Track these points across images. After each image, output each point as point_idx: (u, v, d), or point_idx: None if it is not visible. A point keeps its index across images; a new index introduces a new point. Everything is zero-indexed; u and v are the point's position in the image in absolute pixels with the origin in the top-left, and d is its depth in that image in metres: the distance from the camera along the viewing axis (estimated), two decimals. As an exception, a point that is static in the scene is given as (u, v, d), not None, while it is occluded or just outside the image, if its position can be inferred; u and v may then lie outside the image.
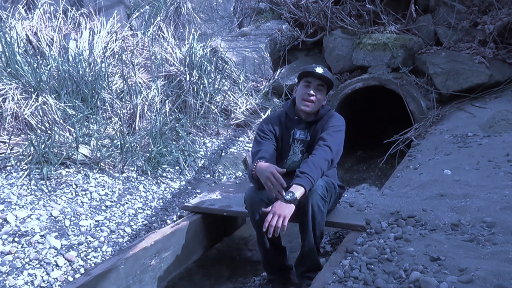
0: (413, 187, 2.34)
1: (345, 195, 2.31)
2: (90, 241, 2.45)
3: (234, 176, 3.59)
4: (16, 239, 2.32)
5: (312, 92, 1.98)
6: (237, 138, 4.19)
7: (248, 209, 1.99)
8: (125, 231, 2.63)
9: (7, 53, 3.47)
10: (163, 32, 4.97)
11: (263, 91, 4.66)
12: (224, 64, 4.58)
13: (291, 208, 1.70)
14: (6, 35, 3.78)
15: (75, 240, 2.42)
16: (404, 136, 3.69)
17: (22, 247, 2.27)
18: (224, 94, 4.22)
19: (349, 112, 4.60)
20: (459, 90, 3.97)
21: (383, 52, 4.37)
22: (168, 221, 2.88)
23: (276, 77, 4.85)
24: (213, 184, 3.43)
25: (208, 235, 2.44)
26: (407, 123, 3.98)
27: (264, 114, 4.41)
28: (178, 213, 2.96)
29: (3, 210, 2.51)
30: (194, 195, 3.29)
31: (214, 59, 4.51)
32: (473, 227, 1.82)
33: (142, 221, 2.77)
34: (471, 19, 4.61)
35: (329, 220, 1.97)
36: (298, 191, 1.72)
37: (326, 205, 1.82)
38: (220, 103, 4.18)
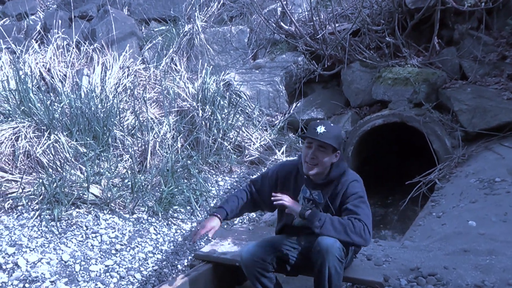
0: (435, 239, 2.44)
1: (363, 246, 2.42)
2: (99, 287, 2.61)
3: (247, 217, 3.74)
4: (27, 285, 2.50)
5: (311, 155, 2.04)
6: (251, 176, 4.36)
7: (244, 270, 2.15)
8: (135, 277, 2.78)
9: (20, 91, 3.79)
10: (175, 65, 5.30)
11: (278, 126, 4.87)
12: (238, 98, 4.83)
13: (296, 207, 2.02)
14: (20, 72, 4.13)
15: (84, 286, 2.58)
16: (427, 178, 3.79)
17: (32, 294, 2.45)
18: (238, 130, 4.43)
19: (368, 149, 4.75)
20: (486, 129, 4.08)
21: (405, 87, 4.54)
22: (179, 266, 3.03)
23: (291, 111, 5.07)
24: (225, 226, 3.58)
25: (220, 285, 2.58)
26: (431, 160, 4.08)
27: (279, 151, 4.59)
28: (189, 257, 3.11)
29: (14, 253, 2.71)
30: (205, 238, 3.43)
31: (228, 93, 4.77)
32: (498, 290, 1.90)
33: (152, 266, 2.92)
34: (499, 52, 4.76)
35: (345, 275, 2.08)
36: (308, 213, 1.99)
37: (343, 266, 1.95)
38: (233, 139, 4.40)
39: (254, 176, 2.38)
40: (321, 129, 2.02)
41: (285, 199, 2.03)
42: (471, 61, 4.75)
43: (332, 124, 2.12)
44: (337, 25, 5.20)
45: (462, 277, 2.00)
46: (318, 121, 2.20)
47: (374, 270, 2.15)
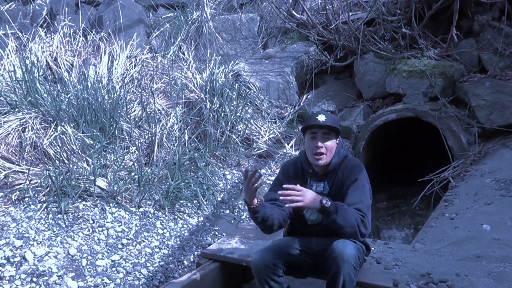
0: (448, 243, 2.43)
1: (373, 248, 2.43)
2: (106, 283, 2.66)
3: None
4: (34, 279, 2.56)
5: (319, 144, 2.07)
6: (259, 170, 4.36)
7: (254, 275, 2.16)
8: (141, 272, 2.83)
9: (27, 81, 3.82)
10: (183, 53, 5.28)
11: (288, 119, 4.84)
12: (247, 90, 4.81)
13: (316, 203, 1.90)
14: (27, 61, 4.16)
15: (91, 281, 2.64)
16: (441, 176, 3.75)
17: None
18: (246, 123, 4.42)
19: (381, 144, 4.71)
20: (505, 125, 4.01)
21: (420, 80, 4.47)
22: (185, 261, 3.07)
23: (302, 103, 5.03)
24: (232, 221, 3.61)
25: (226, 284, 2.61)
26: (445, 156, 4.03)
27: (288, 144, 4.58)
28: (196, 253, 3.15)
29: (21, 246, 2.77)
30: (212, 233, 3.47)
31: (237, 84, 4.74)
32: (511, 299, 1.89)
33: (159, 262, 2.97)
34: (521, 44, 4.65)
35: (354, 279, 2.09)
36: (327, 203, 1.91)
37: (357, 273, 1.97)
38: (241, 132, 4.39)
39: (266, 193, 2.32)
40: (322, 117, 2.08)
41: (301, 198, 1.88)
42: (491, 53, 4.65)
43: (328, 112, 2.17)
44: (350, 14, 5.11)
45: (474, 285, 1.99)
46: (314, 111, 2.21)
47: (383, 274, 2.16)
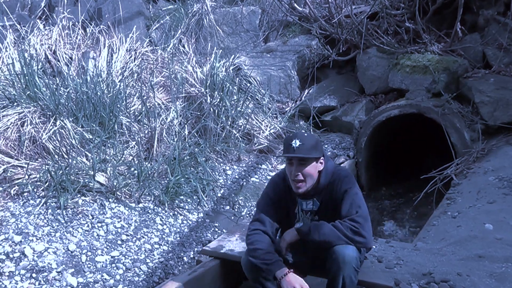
0: (450, 243, 2.43)
1: (374, 246, 2.43)
2: (105, 279, 2.67)
3: (255, 209, 3.76)
4: (34, 275, 2.57)
5: (296, 172, 2.03)
6: (260, 166, 4.36)
7: (246, 274, 2.20)
8: (141, 268, 2.84)
9: (26, 75, 3.80)
10: (183, 47, 5.25)
11: (289, 114, 4.83)
12: (248, 84, 4.79)
13: (293, 234, 2.11)
14: (25, 54, 4.13)
15: (91, 277, 2.64)
16: (443, 173, 3.75)
17: (39, 284, 2.52)
18: (247, 118, 4.41)
19: (383, 141, 4.69)
20: (509, 122, 4.00)
21: (423, 75, 4.45)
22: (184, 258, 3.07)
23: (303, 98, 5.02)
24: (232, 217, 3.61)
25: (227, 281, 2.62)
26: (448, 153, 4.02)
27: (289, 139, 4.56)
28: (196, 249, 3.16)
29: (21, 241, 2.78)
30: (212, 229, 3.47)
31: (237, 78, 4.72)
32: (513, 300, 1.89)
33: (158, 258, 2.97)
34: (526, 39, 4.62)
35: (355, 277, 2.09)
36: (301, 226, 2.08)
37: (358, 274, 1.97)
38: (242, 127, 4.38)
39: (254, 220, 2.28)
40: (296, 143, 2.00)
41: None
42: (496, 49, 4.62)
43: (306, 134, 2.09)
44: (353, 7, 5.08)
45: (475, 285, 2.00)
46: (291, 134, 2.13)
47: (384, 273, 2.16)
